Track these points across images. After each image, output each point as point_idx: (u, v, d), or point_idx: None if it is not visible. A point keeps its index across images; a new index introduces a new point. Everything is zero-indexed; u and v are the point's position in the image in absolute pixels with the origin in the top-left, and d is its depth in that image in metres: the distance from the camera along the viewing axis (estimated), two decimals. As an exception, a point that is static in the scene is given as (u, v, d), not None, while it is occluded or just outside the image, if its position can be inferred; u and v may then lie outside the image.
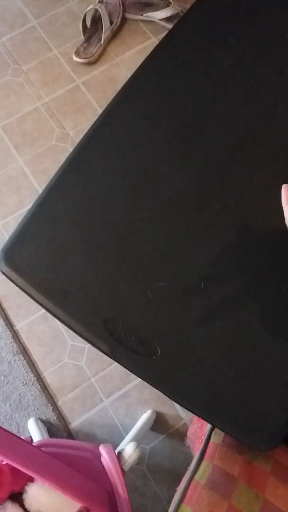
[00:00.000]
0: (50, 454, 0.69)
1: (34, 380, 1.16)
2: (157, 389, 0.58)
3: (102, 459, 0.78)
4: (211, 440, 0.63)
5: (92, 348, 0.59)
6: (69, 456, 0.77)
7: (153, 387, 0.58)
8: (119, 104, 0.68)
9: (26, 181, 1.34)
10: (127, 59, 1.46)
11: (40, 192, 0.64)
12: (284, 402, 0.56)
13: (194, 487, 0.57)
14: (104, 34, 1.42)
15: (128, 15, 1.48)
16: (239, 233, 0.62)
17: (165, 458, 1.10)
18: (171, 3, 1.43)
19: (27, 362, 1.17)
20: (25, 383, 1.16)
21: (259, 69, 0.69)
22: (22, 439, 0.68)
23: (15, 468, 0.60)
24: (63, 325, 0.60)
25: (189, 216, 0.63)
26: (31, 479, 0.68)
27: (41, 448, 0.72)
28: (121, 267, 0.61)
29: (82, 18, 1.41)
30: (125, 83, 0.69)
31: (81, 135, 0.67)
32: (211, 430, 0.65)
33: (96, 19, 1.44)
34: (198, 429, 0.75)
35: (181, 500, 0.56)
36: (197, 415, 0.57)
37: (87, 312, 0.59)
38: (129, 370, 0.58)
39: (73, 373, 1.17)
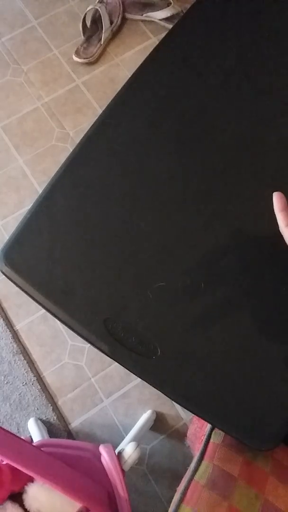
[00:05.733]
0: (50, 454, 0.69)
1: (34, 380, 1.16)
2: (157, 389, 0.58)
3: (102, 459, 0.78)
4: (211, 440, 0.63)
5: (92, 348, 0.59)
6: (69, 456, 0.77)
7: (153, 387, 0.57)
8: (119, 104, 0.68)
9: (26, 181, 1.34)
10: (127, 59, 1.46)
11: (40, 192, 0.64)
12: (284, 402, 0.56)
13: (194, 487, 0.57)
14: (104, 34, 1.42)
15: (128, 15, 1.48)
16: (239, 233, 0.62)
17: (165, 458, 1.10)
18: (171, 3, 1.43)
19: (27, 362, 1.17)
20: (25, 383, 1.16)
21: (259, 69, 0.69)
22: (22, 439, 0.68)
23: (15, 468, 0.60)
24: (63, 325, 0.60)
25: (189, 216, 0.63)
26: (31, 479, 0.68)
27: (41, 448, 0.72)
28: (121, 267, 0.61)
29: (82, 18, 1.41)
30: (125, 83, 0.69)
31: (81, 135, 0.67)
32: (211, 430, 0.65)
33: (96, 19, 1.44)
34: (198, 429, 0.75)
35: (181, 500, 0.56)
36: (197, 415, 0.57)
37: (87, 312, 0.59)
38: (129, 370, 0.58)
39: (73, 373, 1.17)
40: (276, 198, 0.53)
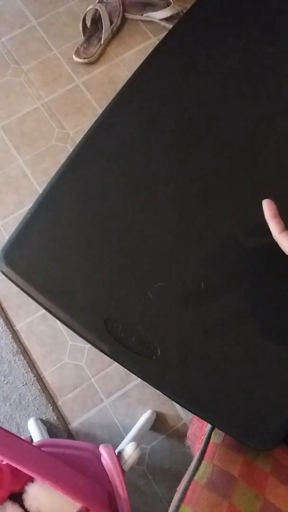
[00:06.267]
0: (50, 454, 0.69)
1: (34, 380, 1.16)
2: (157, 389, 0.58)
3: (102, 459, 0.78)
4: (211, 440, 0.63)
5: (92, 348, 0.59)
6: (69, 456, 0.77)
7: (153, 387, 0.57)
8: (119, 104, 0.68)
9: (26, 181, 1.34)
10: (127, 59, 1.46)
11: (40, 192, 0.64)
12: (284, 402, 0.56)
13: (194, 487, 0.57)
14: (104, 34, 1.42)
15: (128, 15, 1.48)
16: (239, 234, 0.62)
17: (165, 458, 1.10)
18: (171, 3, 1.43)
19: (27, 362, 1.17)
20: (25, 383, 1.16)
21: (259, 69, 0.69)
22: (22, 439, 0.68)
23: (15, 468, 0.60)
24: (63, 325, 0.60)
25: (189, 216, 0.63)
26: (31, 479, 0.68)
27: (41, 448, 0.72)
28: (121, 267, 0.61)
29: (82, 18, 1.41)
30: (125, 83, 0.69)
31: (81, 135, 0.67)
32: (211, 430, 0.65)
33: (96, 19, 1.44)
34: (198, 429, 0.75)
35: (181, 500, 0.56)
36: (197, 415, 0.57)
37: (87, 312, 0.59)
38: (129, 370, 0.58)
39: (73, 373, 1.17)
40: (266, 206, 0.52)
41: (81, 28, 1.42)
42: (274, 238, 0.52)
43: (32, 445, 0.77)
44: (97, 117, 0.68)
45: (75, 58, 1.42)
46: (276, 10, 0.73)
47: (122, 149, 0.66)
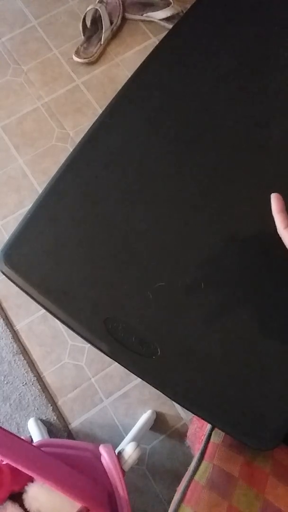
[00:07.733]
0: (50, 454, 0.69)
1: (34, 380, 1.16)
2: (157, 389, 0.58)
3: (102, 459, 0.78)
4: (211, 440, 0.63)
5: (92, 348, 0.59)
6: (69, 456, 0.77)
7: (153, 387, 0.57)
8: (119, 104, 0.68)
9: (26, 181, 1.34)
10: (127, 59, 1.46)
11: (40, 192, 0.64)
12: (284, 402, 0.56)
13: (194, 487, 0.57)
14: (104, 34, 1.42)
15: (128, 15, 1.48)
16: (239, 233, 0.62)
17: (165, 458, 1.10)
18: (171, 3, 1.43)
19: (27, 362, 1.17)
20: (25, 383, 1.16)
21: (260, 70, 0.69)
22: (22, 439, 0.68)
23: (15, 468, 0.60)
24: (63, 325, 0.60)
25: (189, 216, 0.63)
26: (31, 479, 0.68)
27: (41, 448, 0.72)
28: (121, 267, 0.61)
29: (82, 18, 1.41)
30: (125, 83, 0.69)
31: (81, 135, 0.67)
32: (211, 430, 0.65)
33: (96, 19, 1.44)
34: (198, 429, 0.75)
35: (181, 500, 0.56)
36: (197, 415, 0.57)
37: (87, 312, 0.59)
38: (129, 370, 0.58)
39: (73, 373, 1.17)
40: (274, 200, 0.52)
41: (81, 28, 1.42)
42: (279, 232, 0.52)
43: (32, 445, 0.77)
44: (97, 117, 0.68)
45: (75, 58, 1.42)
46: (275, 10, 0.73)
47: (122, 149, 0.66)
